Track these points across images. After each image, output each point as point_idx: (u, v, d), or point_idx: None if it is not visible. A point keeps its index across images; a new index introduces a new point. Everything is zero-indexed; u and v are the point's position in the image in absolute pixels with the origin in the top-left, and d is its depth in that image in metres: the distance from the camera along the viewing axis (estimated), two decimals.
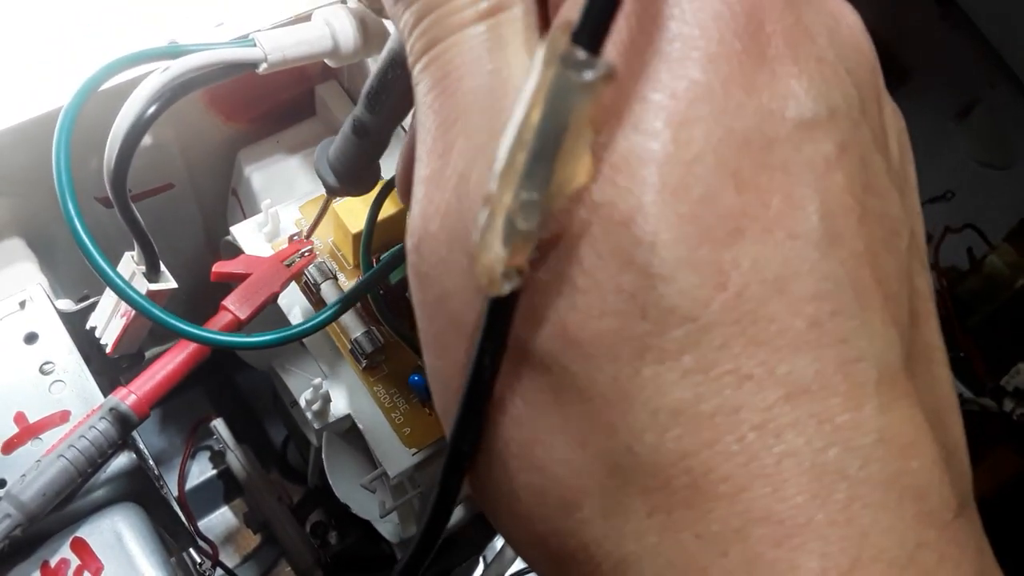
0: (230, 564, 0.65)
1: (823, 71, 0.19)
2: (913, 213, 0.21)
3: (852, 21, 0.21)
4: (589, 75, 0.16)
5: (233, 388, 0.73)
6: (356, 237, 0.44)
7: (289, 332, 0.38)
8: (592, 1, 0.16)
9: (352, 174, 0.36)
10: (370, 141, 0.34)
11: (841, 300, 0.18)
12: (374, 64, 0.34)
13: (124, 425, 0.38)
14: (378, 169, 0.37)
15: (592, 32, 0.16)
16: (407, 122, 0.36)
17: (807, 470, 0.17)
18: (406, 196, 0.23)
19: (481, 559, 0.66)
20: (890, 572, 0.17)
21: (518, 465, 0.20)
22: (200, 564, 0.58)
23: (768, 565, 0.17)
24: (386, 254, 0.43)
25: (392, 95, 0.31)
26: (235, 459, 0.63)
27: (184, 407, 0.69)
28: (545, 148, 0.16)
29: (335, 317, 0.40)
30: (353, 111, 0.33)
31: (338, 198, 0.42)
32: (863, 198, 0.19)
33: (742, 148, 0.18)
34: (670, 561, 0.18)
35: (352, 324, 0.44)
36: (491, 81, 0.19)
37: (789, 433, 0.17)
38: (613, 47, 0.18)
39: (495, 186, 0.17)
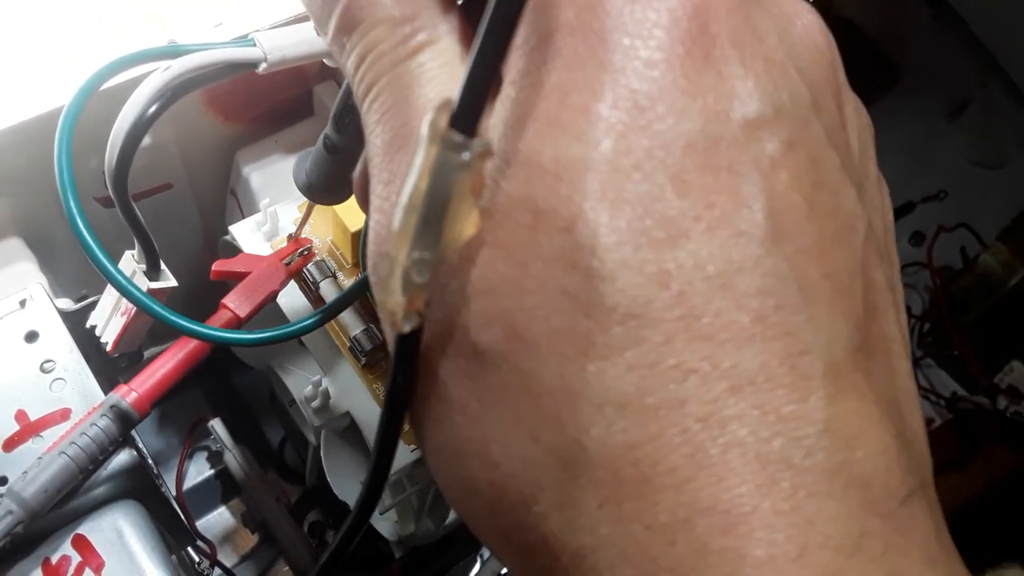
0: (228, 564, 0.65)
1: (770, 70, 0.19)
2: (872, 207, 0.22)
3: (808, 20, 0.22)
4: (466, 156, 0.18)
5: (231, 388, 0.73)
6: (355, 235, 0.44)
7: (289, 329, 0.38)
8: (467, 88, 0.18)
9: (326, 186, 0.37)
10: (339, 157, 0.35)
11: (786, 295, 0.18)
12: None
13: (125, 422, 0.38)
14: (351, 182, 0.38)
15: (467, 117, 0.18)
16: None
17: (752, 460, 0.17)
18: (362, 204, 0.25)
19: (478, 557, 0.67)
20: (837, 559, 0.17)
21: (478, 463, 0.20)
22: (199, 563, 0.58)
23: (716, 554, 0.17)
24: None
25: (356, 117, 0.32)
26: (233, 459, 0.64)
27: (181, 407, 0.69)
28: (432, 214, 0.18)
29: (334, 314, 0.40)
30: (325, 129, 0.34)
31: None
32: (811, 194, 0.19)
33: (685, 151, 0.18)
34: (622, 551, 0.18)
35: (351, 322, 0.45)
36: (421, 115, 0.20)
37: (733, 424, 0.18)
38: (560, 61, 0.19)
39: (392, 246, 0.18)
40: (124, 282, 0.36)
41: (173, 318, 0.36)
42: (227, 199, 0.56)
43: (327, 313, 0.40)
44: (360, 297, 0.44)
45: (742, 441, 0.18)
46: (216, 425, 0.63)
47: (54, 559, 0.38)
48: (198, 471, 0.68)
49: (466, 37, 0.21)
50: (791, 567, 0.17)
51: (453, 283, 0.20)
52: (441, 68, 0.20)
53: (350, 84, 0.22)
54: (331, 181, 0.36)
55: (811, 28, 0.21)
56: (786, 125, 0.19)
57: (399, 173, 0.20)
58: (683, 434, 0.18)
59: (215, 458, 0.68)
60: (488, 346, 0.19)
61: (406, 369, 0.21)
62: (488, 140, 0.18)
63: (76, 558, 0.39)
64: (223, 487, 0.68)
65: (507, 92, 0.20)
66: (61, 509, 0.38)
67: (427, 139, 0.18)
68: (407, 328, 0.19)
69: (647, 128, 0.18)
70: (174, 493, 0.66)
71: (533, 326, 0.19)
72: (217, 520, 0.68)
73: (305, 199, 0.47)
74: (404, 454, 0.44)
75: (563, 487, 0.19)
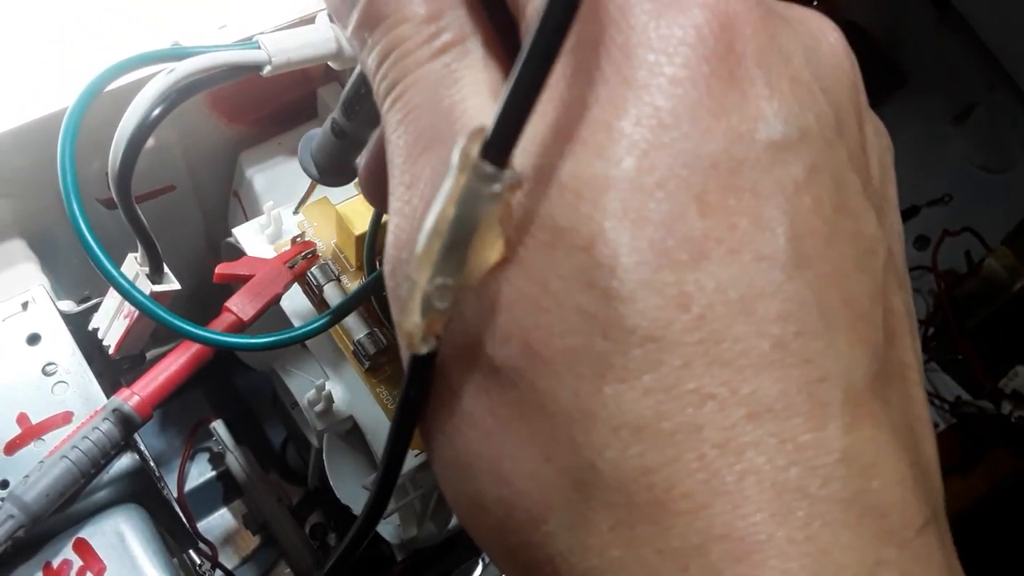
0: (229, 566, 0.65)
1: (796, 91, 0.19)
2: (892, 232, 0.22)
3: (834, 39, 0.21)
4: (496, 187, 0.18)
5: (232, 389, 0.72)
6: (359, 239, 0.44)
7: (293, 334, 0.38)
8: (501, 118, 0.18)
9: (331, 169, 0.37)
10: (347, 142, 0.35)
11: (807, 321, 0.18)
12: None
13: (127, 426, 0.38)
14: (355, 167, 0.38)
15: (499, 148, 0.18)
16: None
17: (768, 488, 0.17)
18: (371, 197, 0.25)
19: (480, 561, 0.67)
20: None
21: (488, 479, 0.20)
22: (200, 565, 0.58)
23: None
24: None
25: (366, 105, 0.32)
26: (234, 460, 0.64)
27: (183, 409, 0.69)
28: (458, 241, 0.18)
29: (340, 318, 0.40)
30: (332, 113, 0.34)
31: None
32: (834, 219, 0.19)
33: (708, 172, 0.18)
34: (632, 575, 0.18)
35: (355, 326, 0.45)
36: (447, 117, 0.20)
37: (750, 452, 0.17)
38: (582, 76, 0.19)
39: (414, 269, 0.18)
40: (127, 286, 0.35)
41: (176, 322, 0.36)
42: (230, 201, 0.56)
43: (333, 317, 0.40)
44: (364, 302, 0.44)
45: (759, 469, 0.17)
46: (218, 426, 0.63)
47: (55, 563, 0.38)
48: (200, 472, 0.68)
49: (491, 39, 0.21)
50: None
51: (472, 297, 0.19)
52: (467, 70, 0.20)
53: (370, 80, 0.22)
54: (336, 164, 0.36)
55: (837, 48, 0.21)
56: (811, 148, 0.19)
57: (422, 176, 0.20)
58: (699, 460, 0.17)
59: (217, 459, 0.68)
60: (504, 362, 0.19)
61: (418, 386, 0.21)
62: (520, 173, 0.18)
63: (77, 562, 0.38)
64: (224, 488, 0.68)
65: None
66: (62, 513, 0.38)
67: (457, 168, 0.18)
68: (424, 350, 0.19)
69: (670, 146, 0.18)
70: (175, 495, 0.65)
71: (550, 344, 0.18)
72: (218, 522, 0.68)
73: (309, 202, 0.47)
74: (408, 458, 0.44)
75: (574, 508, 0.19)
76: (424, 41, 0.20)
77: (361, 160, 0.26)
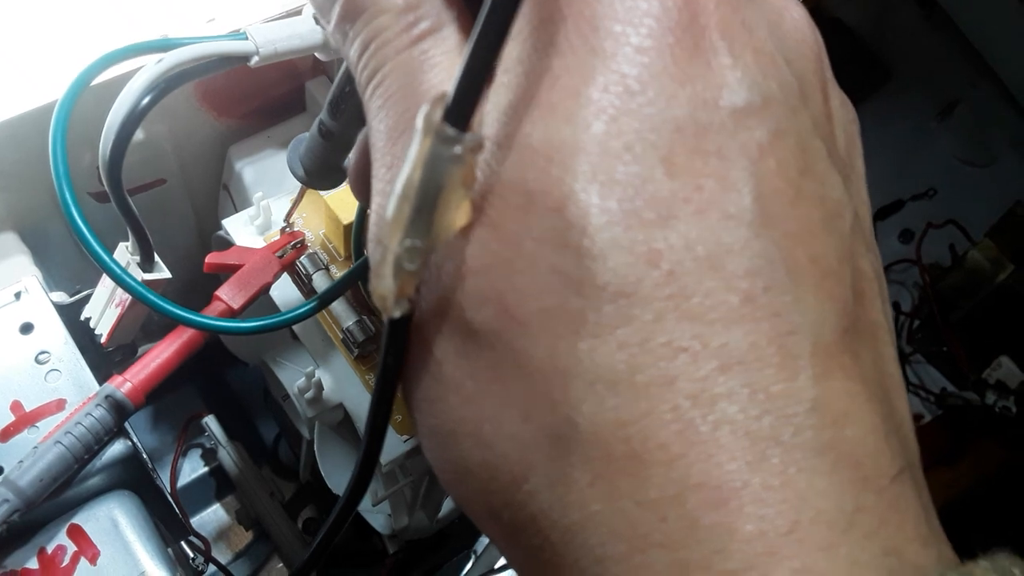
0: (223, 560, 0.65)
1: (759, 61, 0.20)
2: (858, 198, 0.22)
3: (797, 14, 0.22)
4: (458, 149, 0.18)
5: (224, 385, 0.73)
6: (347, 228, 0.44)
7: (284, 316, 0.39)
8: (461, 83, 0.18)
9: (319, 171, 0.38)
10: (333, 143, 0.35)
11: (774, 277, 0.19)
12: None
13: (120, 412, 0.39)
14: (344, 168, 0.38)
15: (460, 112, 0.18)
16: None
17: (741, 437, 0.18)
18: (358, 192, 0.25)
19: (472, 554, 0.67)
20: (831, 534, 0.18)
21: (471, 443, 0.20)
22: (193, 559, 0.58)
23: (706, 529, 0.18)
24: None
25: (351, 104, 0.33)
26: (227, 456, 0.64)
27: (175, 404, 0.69)
28: (424, 204, 0.19)
29: (329, 301, 0.41)
30: (319, 115, 0.35)
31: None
32: (799, 181, 0.20)
33: (674, 135, 0.19)
34: (612, 528, 0.18)
35: (344, 313, 0.45)
36: (423, 100, 0.20)
37: (723, 402, 0.18)
38: (551, 48, 0.19)
39: (385, 233, 0.19)
40: (118, 271, 0.36)
41: (167, 306, 0.36)
42: (220, 194, 0.57)
43: (321, 302, 0.40)
44: (353, 290, 0.45)
45: (732, 419, 0.18)
46: (210, 422, 0.64)
47: (50, 548, 0.39)
48: (192, 468, 0.68)
49: (468, 26, 0.21)
50: (782, 542, 0.17)
51: (448, 264, 0.20)
52: (444, 55, 0.21)
53: (352, 72, 0.23)
54: (324, 166, 0.37)
55: (800, 22, 0.22)
56: (774, 113, 0.20)
57: (402, 157, 0.21)
58: (673, 411, 0.18)
59: (209, 455, 0.68)
60: (482, 325, 0.19)
61: (396, 351, 0.21)
62: (480, 135, 0.19)
63: (71, 547, 0.39)
64: (217, 484, 0.68)
65: (500, 80, 0.20)
66: (56, 499, 0.39)
67: (421, 132, 0.18)
68: (397, 313, 0.20)
69: (637, 112, 0.19)
70: (168, 491, 0.66)
71: (525, 304, 0.19)
72: (211, 517, 0.68)
73: (296, 193, 0.48)
74: (397, 444, 0.44)
75: (554, 465, 0.19)
76: (402, 30, 0.21)
77: (351, 156, 0.27)
